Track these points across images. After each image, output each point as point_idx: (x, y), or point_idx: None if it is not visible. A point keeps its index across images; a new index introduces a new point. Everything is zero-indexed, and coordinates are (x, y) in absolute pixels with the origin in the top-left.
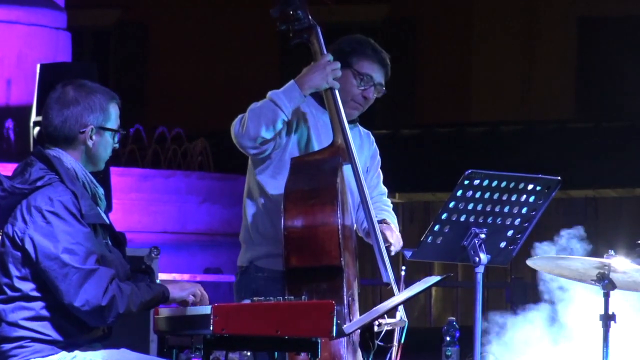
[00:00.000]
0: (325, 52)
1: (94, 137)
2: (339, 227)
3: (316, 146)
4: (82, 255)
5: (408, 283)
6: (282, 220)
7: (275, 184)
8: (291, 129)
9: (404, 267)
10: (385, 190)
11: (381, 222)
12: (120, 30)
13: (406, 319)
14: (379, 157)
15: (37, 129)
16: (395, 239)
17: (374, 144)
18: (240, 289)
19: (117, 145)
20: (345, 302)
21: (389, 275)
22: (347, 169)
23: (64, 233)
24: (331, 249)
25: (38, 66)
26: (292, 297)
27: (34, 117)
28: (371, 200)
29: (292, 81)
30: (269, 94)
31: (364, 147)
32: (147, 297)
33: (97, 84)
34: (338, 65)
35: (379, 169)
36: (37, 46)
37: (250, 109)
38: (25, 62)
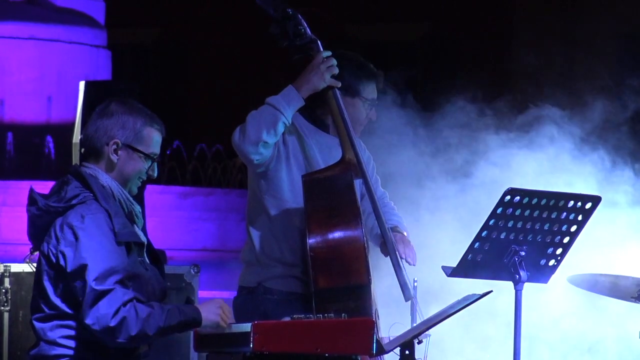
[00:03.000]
0: (321, 49)
1: (119, 152)
2: (365, 245)
3: (314, 165)
4: (102, 274)
5: None
6: (307, 241)
7: (275, 203)
8: (287, 148)
9: (415, 279)
10: (386, 192)
11: (393, 229)
12: (160, 48)
13: (429, 332)
14: (372, 161)
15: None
16: (411, 253)
17: (366, 150)
18: (247, 310)
19: (153, 174)
20: (374, 319)
21: (409, 289)
22: (356, 183)
23: (89, 250)
24: (359, 268)
25: (82, 83)
26: (332, 314)
27: (77, 135)
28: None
29: (289, 85)
30: (267, 99)
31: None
32: (171, 322)
33: (144, 107)
34: (334, 62)
35: (375, 174)
36: (78, 64)
37: (250, 115)
38: (65, 79)
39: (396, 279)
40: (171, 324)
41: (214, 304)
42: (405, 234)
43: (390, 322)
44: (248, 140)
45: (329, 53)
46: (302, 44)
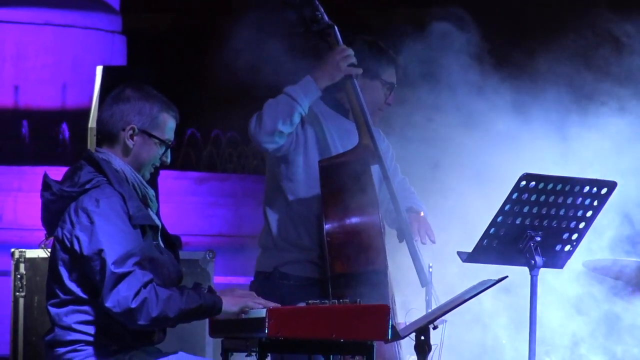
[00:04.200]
0: (340, 40)
1: (135, 138)
2: (382, 230)
3: (333, 150)
4: (120, 257)
5: None
6: (324, 227)
7: (293, 187)
8: (305, 133)
9: (431, 265)
10: (406, 178)
11: (408, 210)
12: (175, 34)
13: (446, 318)
14: (392, 149)
15: None
16: (429, 231)
17: (385, 139)
18: (263, 295)
19: (167, 160)
20: (390, 305)
21: (426, 276)
22: (375, 168)
23: (106, 233)
24: (376, 253)
25: (100, 68)
26: (348, 299)
27: (94, 120)
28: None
29: (307, 76)
30: (285, 88)
31: (378, 142)
32: (191, 305)
33: (159, 93)
34: (350, 52)
35: (395, 161)
36: (93, 50)
37: (266, 104)
38: (80, 65)
39: (412, 265)
40: (191, 307)
41: (242, 297)
42: (422, 213)
43: (407, 308)
44: (263, 130)
45: (343, 46)
46: (319, 29)
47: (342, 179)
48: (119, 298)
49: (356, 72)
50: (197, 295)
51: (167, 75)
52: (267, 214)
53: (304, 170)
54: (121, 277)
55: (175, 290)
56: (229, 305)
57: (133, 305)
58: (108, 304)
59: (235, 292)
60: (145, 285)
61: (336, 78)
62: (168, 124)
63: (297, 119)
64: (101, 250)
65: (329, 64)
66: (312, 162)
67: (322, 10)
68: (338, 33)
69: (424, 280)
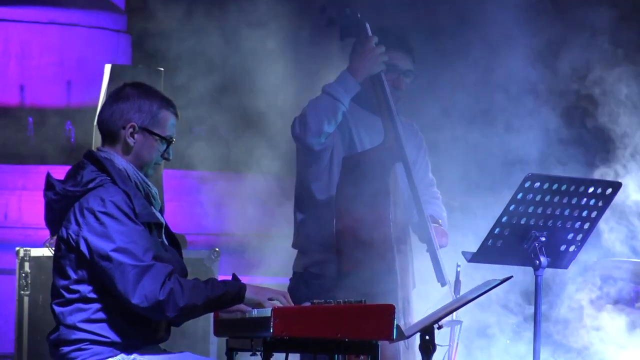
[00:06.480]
0: (370, 34)
1: (135, 136)
2: (392, 230)
3: (358, 146)
4: (138, 253)
5: None
6: (334, 224)
7: (322, 187)
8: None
9: (459, 264)
10: (434, 179)
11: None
12: (181, 32)
13: (462, 319)
14: (425, 145)
15: None
16: (444, 242)
17: (419, 133)
18: (296, 294)
19: (169, 157)
20: (400, 305)
21: (444, 276)
22: (399, 166)
23: (118, 232)
24: (384, 253)
25: (108, 67)
26: (352, 299)
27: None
28: (420, 193)
29: (344, 71)
30: (324, 87)
31: (407, 139)
32: (216, 292)
33: (158, 90)
34: (383, 48)
35: (427, 158)
36: (98, 49)
37: (308, 106)
38: (85, 64)
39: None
40: (217, 294)
41: (270, 290)
42: (439, 222)
43: (433, 307)
44: (310, 133)
45: (376, 39)
46: (349, 25)
47: (358, 176)
48: (145, 292)
49: (389, 66)
50: (221, 283)
51: (172, 75)
52: (296, 217)
53: (331, 169)
54: (143, 272)
55: (197, 280)
56: (252, 293)
57: (161, 297)
58: (135, 301)
59: (263, 288)
60: (169, 277)
61: (374, 69)
62: (169, 121)
63: (340, 117)
64: (116, 249)
65: (366, 56)
66: (338, 160)
67: (352, 7)
68: (369, 30)
69: (442, 280)
